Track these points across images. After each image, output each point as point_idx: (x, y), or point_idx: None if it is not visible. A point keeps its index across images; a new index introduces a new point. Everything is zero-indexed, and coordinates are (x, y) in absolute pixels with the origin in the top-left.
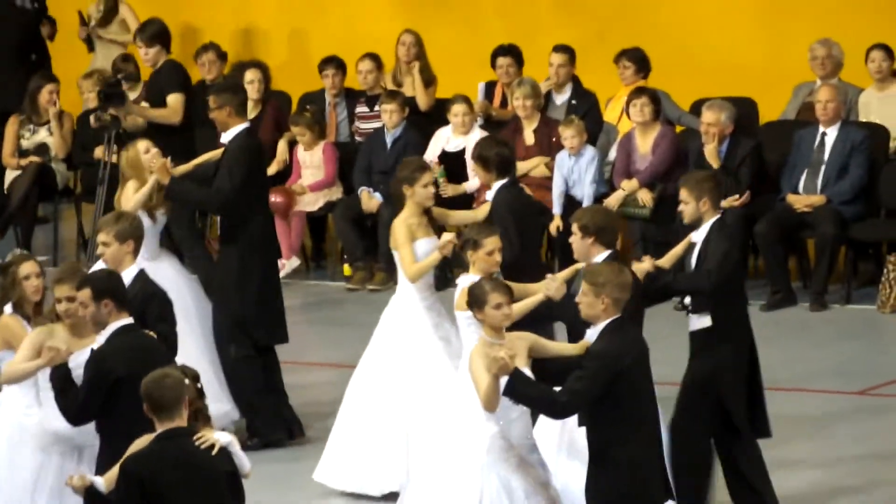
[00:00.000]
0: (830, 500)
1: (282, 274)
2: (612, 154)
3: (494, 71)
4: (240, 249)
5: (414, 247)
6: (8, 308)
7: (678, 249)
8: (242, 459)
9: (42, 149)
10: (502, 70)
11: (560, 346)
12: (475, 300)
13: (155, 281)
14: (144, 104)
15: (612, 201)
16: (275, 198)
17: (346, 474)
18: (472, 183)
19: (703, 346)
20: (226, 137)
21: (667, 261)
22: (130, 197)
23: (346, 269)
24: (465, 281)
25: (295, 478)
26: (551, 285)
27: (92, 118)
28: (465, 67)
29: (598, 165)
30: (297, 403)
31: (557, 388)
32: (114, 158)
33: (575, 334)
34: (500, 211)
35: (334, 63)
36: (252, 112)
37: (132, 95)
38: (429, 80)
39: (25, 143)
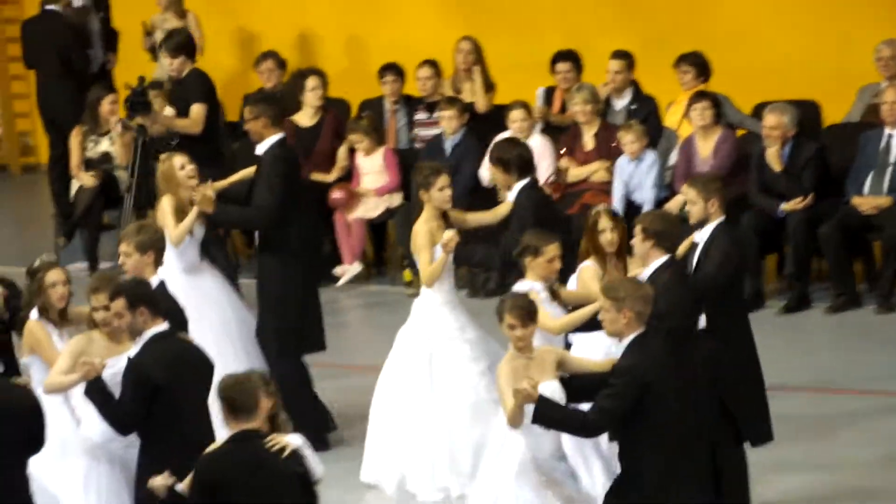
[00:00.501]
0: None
1: (343, 279)
2: (673, 158)
3: (553, 76)
4: (279, 259)
5: (434, 251)
6: (34, 314)
7: (680, 250)
8: (314, 463)
9: (105, 158)
10: (561, 76)
11: (588, 361)
12: (497, 313)
13: (173, 296)
14: (168, 111)
15: (673, 205)
16: (337, 194)
17: (383, 473)
18: None
19: None
20: (260, 149)
21: None
22: (166, 213)
23: (407, 274)
24: (522, 287)
25: (350, 477)
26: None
27: (119, 126)
28: (524, 73)
29: (659, 170)
30: (357, 405)
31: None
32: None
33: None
34: (522, 212)
35: (394, 70)
36: (312, 119)
37: None
38: (487, 86)
39: (89, 154)
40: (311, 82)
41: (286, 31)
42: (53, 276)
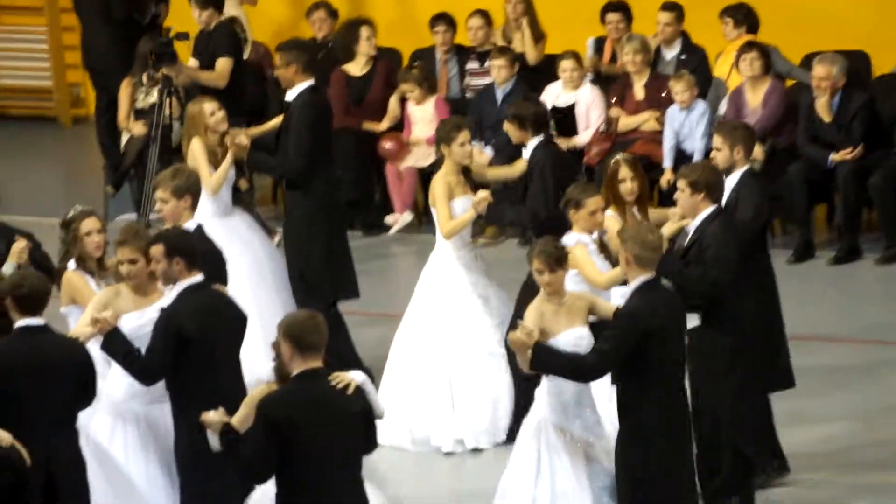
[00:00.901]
0: None
1: (395, 228)
2: (722, 108)
3: (604, 27)
4: (304, 207)
5: (452, 204)
6: (72, 264)
7: (666, 231)
8: (377, 400)
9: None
10: (612, 26)
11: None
12: (527, 258)
13: (212, 238)
14: (192, 63)
15: None
16: (388, 143)
17: (395, 430)
18: (583, 137)
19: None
20: (290, 95)
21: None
22: (198, 156)
23: None
24: (569, 240)
25: None
26: None
27: (144, 77)
28: (575, 23)
29: (709, 119)
30: None
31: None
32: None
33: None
34: (538, 168)
35: (445, 20)
36: (364, 69)
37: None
38: (538, 37)
39: (140, 105)
40: (365, 31)
41: None
42: (88, 224)
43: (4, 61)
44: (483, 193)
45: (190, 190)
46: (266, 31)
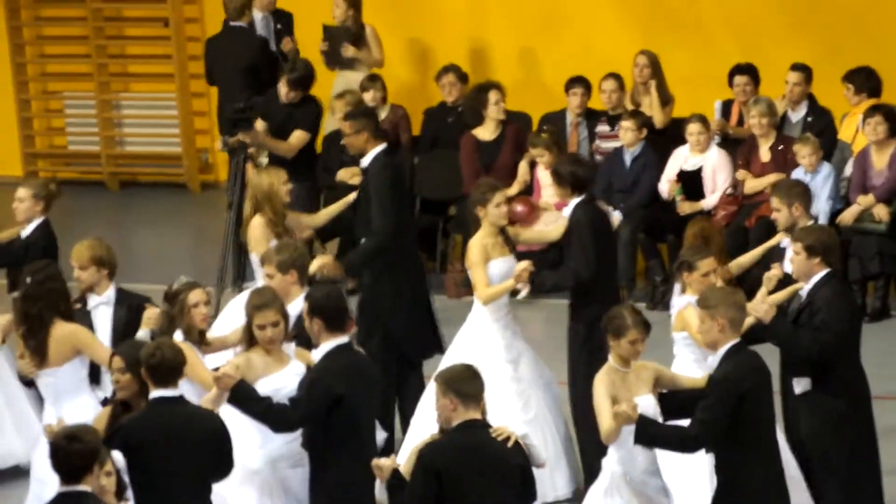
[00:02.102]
0: None
1: (523, 293)
2: (848, 170)
3: (731, 89)
4: (389, 270)
5: (489, 267)
6: (178, 336)
7: (782, 296)
8: (537, 452)
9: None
10: (739, 89)
11: (685, 377)
12: (614, 328)
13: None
14: (260, 125)
15: (848, 216)
16: (518, 207)
17: None
18: (710, 200)
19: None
20: (365, 161)
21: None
22: (258, 234)
23: None
24: (681, 302)
25: None
26: (761, 307)
27: (219, 142)
28: (702, 86)
29: (834, 182)
30: None
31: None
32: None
33: (785, 359)
34: (579, 228)
35: (582, 83)
36: (493, 133)
37: (381, 115)
38: (665, 100)
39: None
40: (494, 96)
41: (463, 43)
42: (195, 296)
43: (135, 128)
44: (524, 264)
45: (295, 264)
46: (392, 92)
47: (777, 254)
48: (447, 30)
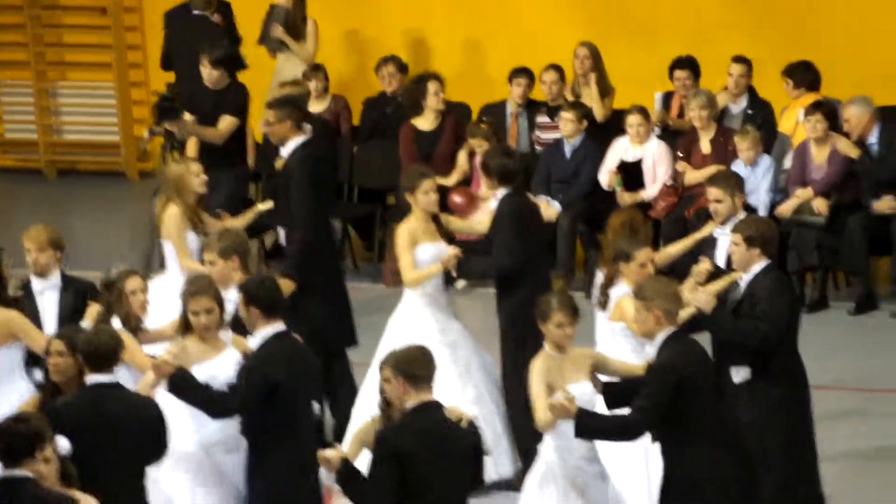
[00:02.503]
0: None
1: (462, 283)
2: (787, 163)
3: (672, 83)
4: (304, 259)
5: (416, 251)
6: (116, 323)
7: (720, 286)
8: (486, 435)
9: None
10: (679, 82)
11: (623, 364)
12: (540, 313)
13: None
14: (188, 117)
15: (787, 209)
16: (457, 198)
17: None
18: (650, 191)
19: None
20: (285, 151)
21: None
22: (173, 225)
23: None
24: (618, 292)
25: None
26: (701, 297)
27: (146, 132)
28: (643, 78)
29: (774, 174)
30: None
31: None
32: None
33: (721, 348)
34: (502, 219)
35: (526, 73)
36: (432, 124)
37: (323, 105)
38: (605, 92)
39: None
40: (433, 86)
41: (404, 34)
42: (132, 284)
43: (73, 117)
44: (453, 250)
45: (237, 250)
46: (333, 83)
47: (707, 245)
48: (388, 20)
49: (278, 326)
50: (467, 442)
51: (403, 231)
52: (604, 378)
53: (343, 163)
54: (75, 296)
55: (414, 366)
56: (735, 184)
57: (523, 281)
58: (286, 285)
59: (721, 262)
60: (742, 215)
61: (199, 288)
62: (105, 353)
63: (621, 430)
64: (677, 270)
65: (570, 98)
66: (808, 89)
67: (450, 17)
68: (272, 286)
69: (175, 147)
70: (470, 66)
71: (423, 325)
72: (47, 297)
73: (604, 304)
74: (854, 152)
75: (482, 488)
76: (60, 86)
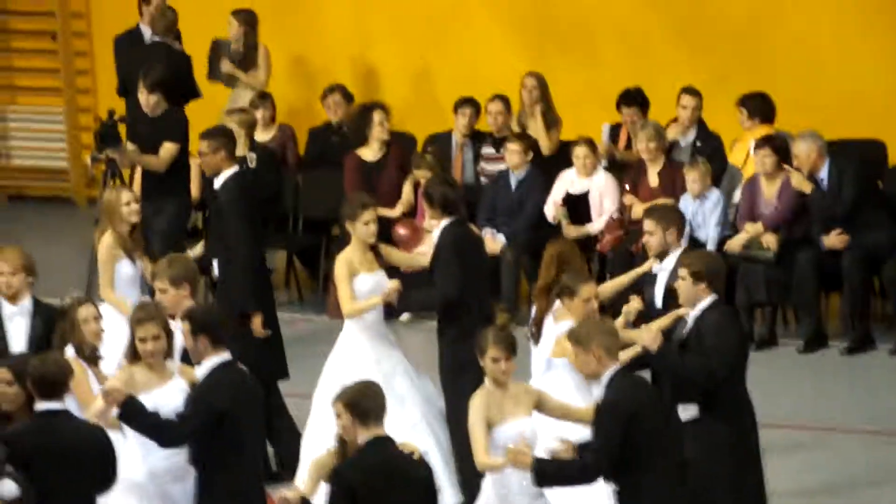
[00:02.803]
0: None
1: (406, 315)
2: (737, 196)
3: (620, 114)
4: (235, 292)
5: (354, 282)
6: (70, 352)
7: (665, 322)
8: (436, 468)
9: None
10: (627, 117)
11: (563, 404)
12: (478, 347)
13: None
14: (129, 146)
15: (736, 244)
16: (401, 230)
17: None
18: (596, 224)
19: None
20: (217, 182)
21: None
22: (103, 253)
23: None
24: (560, 328)
25: None
26: (647, 336)
27: (89, 160)
28: (590, 108)
29: (723, 208)
30: None
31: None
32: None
33: (668, 386)
34: (444, 249)
35: (471, 104)
36: (377, 154)
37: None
38: (552, 123)
39: None
40: (378, 116)
41: (350, 63)
42: (85, 312)
43: (22, 142)
44: (394, 284)
45: (188, 278)
46: (280, 111)
47: (647, 282)
48: (333, 49)
49: (224, 356)
50: (419, 475)
51: (341, 261)
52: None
53: (288, 193)
54: (45, 322)
55: (363, 401)
56: (670, 218)
57: (464, 311)
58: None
59: (659, 298)
60: (678, 250)
61: (146, 315)
62: (52, 381)
63: (580, 473)
64: (617, 307)
65: (517, 129)
66: (762, 121)
67: (396, 46)
68: (219, 314)
69: (115, 174)
70: (416, 95)
71: (359, 354)
72: (16, 323)
73: (536, 338)
74: (807, 187)
75: None
76: (10, 110)
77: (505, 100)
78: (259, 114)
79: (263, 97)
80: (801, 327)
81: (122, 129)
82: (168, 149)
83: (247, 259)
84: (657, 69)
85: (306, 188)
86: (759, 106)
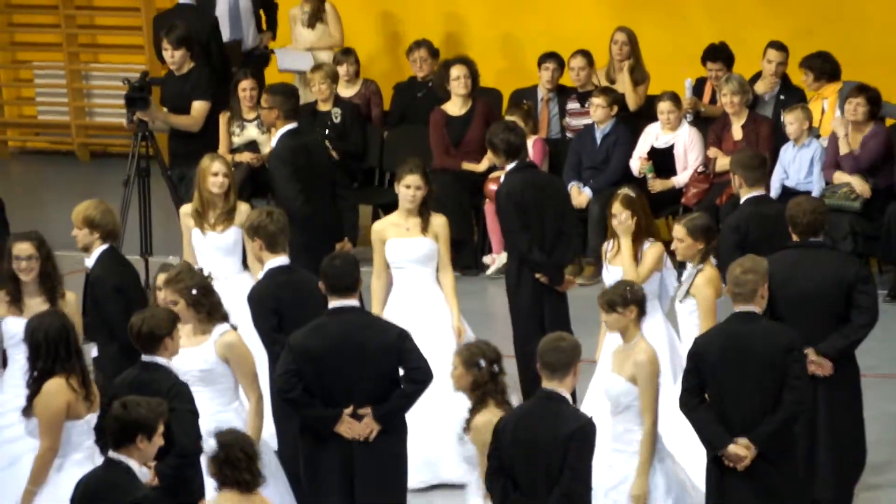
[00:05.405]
0: None
1: (492, 269)
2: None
3: (705, 69)
4: (302, 246)
5: (386, 248)
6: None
7: None
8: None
9: (252, 145)
10: (712, 72)
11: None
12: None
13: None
14: (163, 108)
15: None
16: (493, 185)
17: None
18: (681, 178)
19: None
20: (273, 140)
21: None
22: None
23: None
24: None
25: None
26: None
27: (125, 120)
28: (675, 64)
29: (820, 158)
30: None
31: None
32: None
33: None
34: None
35: (555, 59)
36: (462, 109)
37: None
38: (640, 79)
39: (236, 140)
40: (455, 71)
41: (436, 19)
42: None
43: (105, 99)
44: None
45: (258, 233)
46: (367, 69)
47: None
48: (420, 5)
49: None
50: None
51: (373, 230)
52: None
53: (373, 148)
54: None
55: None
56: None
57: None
58: None
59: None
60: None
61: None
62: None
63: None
64: None
65: (605, 83)
66: (829, 80)
67: (482, 1)
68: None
69: (146, 137)
70: (501, 51)
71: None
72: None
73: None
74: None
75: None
76: (92, 68)
77: (587, 55)
78: (342, 69)
79: (346, 52)
80: (883, 277)
81: (157, 92)
82: (198, 108)
83: (297, 214)
84: (742, 24)
85: (391, 143)
86: (822, 66)
